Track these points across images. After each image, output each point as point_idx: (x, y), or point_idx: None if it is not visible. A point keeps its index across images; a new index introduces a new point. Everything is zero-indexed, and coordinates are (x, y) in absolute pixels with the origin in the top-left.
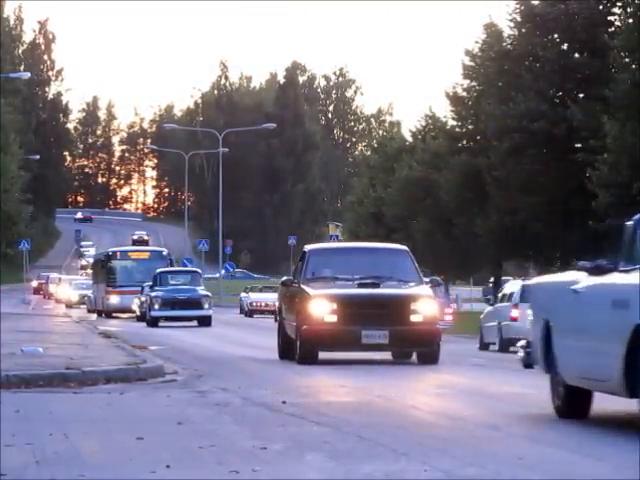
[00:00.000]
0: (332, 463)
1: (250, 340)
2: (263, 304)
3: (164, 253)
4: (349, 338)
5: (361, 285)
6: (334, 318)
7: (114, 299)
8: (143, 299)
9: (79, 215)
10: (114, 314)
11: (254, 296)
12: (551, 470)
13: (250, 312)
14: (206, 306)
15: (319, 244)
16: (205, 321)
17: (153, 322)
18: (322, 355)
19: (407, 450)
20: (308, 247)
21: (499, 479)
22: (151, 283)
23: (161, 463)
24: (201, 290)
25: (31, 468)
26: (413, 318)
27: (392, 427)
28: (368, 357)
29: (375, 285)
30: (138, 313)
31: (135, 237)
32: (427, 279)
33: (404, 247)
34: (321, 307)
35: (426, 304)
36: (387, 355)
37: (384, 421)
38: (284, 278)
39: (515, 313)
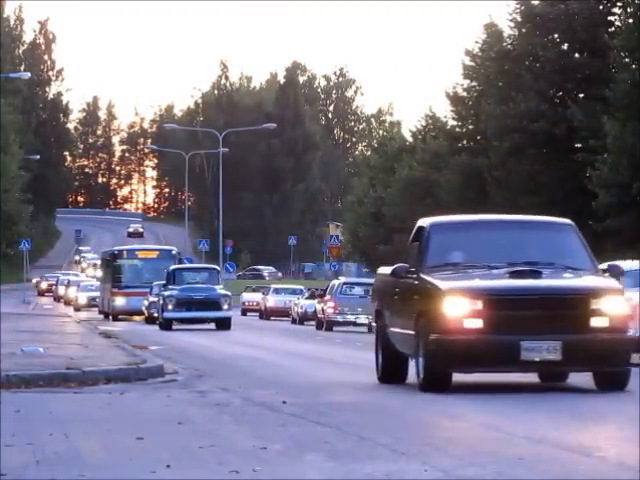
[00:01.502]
0: (332, 463)
1: (249, 340)
2: (254, 303)
3: (173, 252)
4: (503, 353)
5: (514, 275)
6: (478, 323)
7: (120, 301)
8: (153, 299)
9: None
10: (121, 316)
11: (246, 296)
12: (551, 470)
13: (243, 311)
14: (225, 307)
15: (442, 217)
16: (224, 324)
17: (166, 325)
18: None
19: (407, 450)
20: (427, 221)
21: (499, 479)
22: (161, 283)
23: (161, 463)
24: (220, 289)
25: (31, 468)
26: (595, 322)
27: (392, 427)
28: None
29: (535, 274)
30: (146, 315)
31: (130, 230)
32: (603, 266)
33: (568, 221)
34: (459, 307)
35: (613, 302)
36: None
37: (384, 421)
38: (395, 266)
39: None
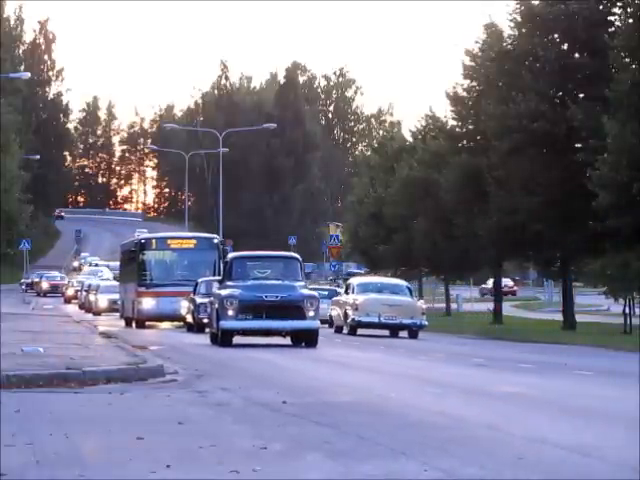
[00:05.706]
0: (332, 463)
1: (248, 339)
2: None
3: (215, 241)
4: None
5: None
6: None
7: (148, 303)
8: (202, 300)
9: None
10: (148, 323)
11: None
12: (551, 470)
13: None
14: (310, 313)
15: None
16: (308, 337)
17: (224, 338)
18: None
19: (407, 450)
20: None
21: (499, 479)
22: (211, 279)
23: (161, 463)
24: (302, 288)
25: (31, 468)
26: None
27: (392, 427)
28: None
29: None
30: (192, 321)
31: (57, 213)
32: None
33: None
34: None
35: None
36: None
37: (384, 421)
38: None
39: None
